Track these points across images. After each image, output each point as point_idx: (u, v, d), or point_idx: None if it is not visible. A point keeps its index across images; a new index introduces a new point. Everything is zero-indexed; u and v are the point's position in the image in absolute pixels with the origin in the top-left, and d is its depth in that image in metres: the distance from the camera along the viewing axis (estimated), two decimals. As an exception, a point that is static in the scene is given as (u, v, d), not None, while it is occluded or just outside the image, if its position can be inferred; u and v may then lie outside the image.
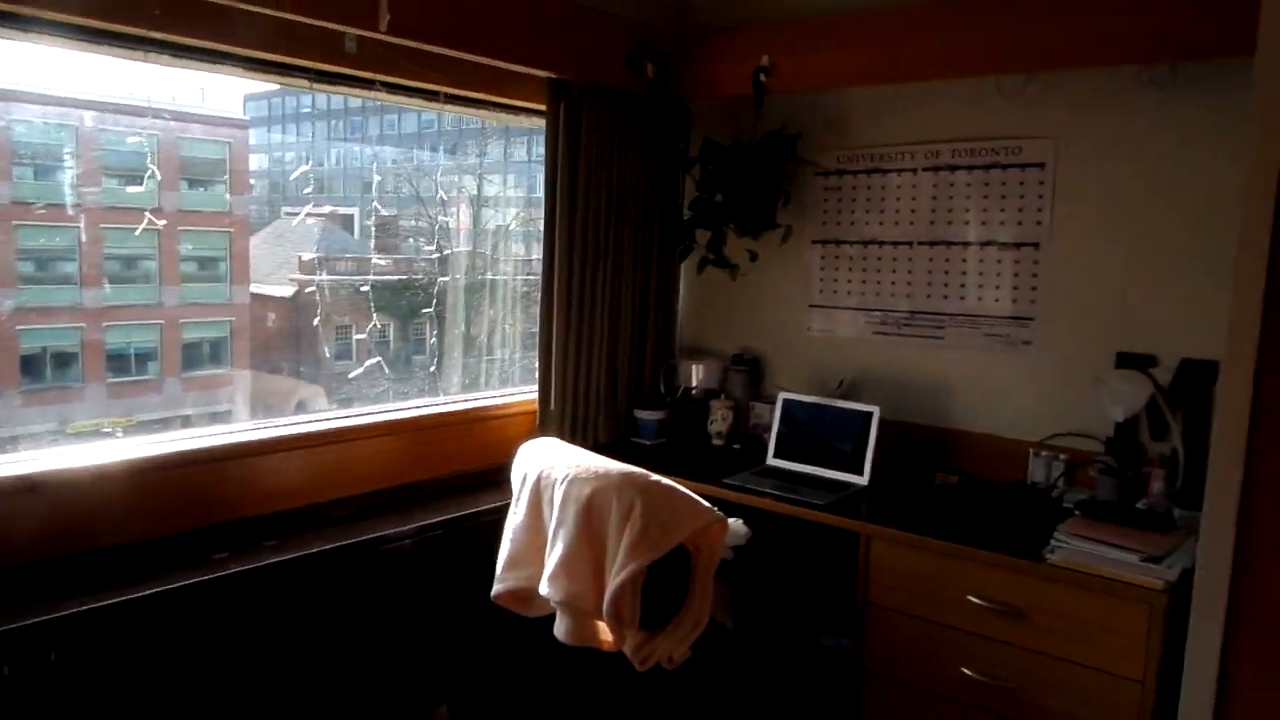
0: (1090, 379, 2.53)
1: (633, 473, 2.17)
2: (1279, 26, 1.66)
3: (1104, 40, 2.33)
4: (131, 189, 2.48)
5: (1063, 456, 2.56)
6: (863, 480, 2.64)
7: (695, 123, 3.22)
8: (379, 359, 2.96)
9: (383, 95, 2.58)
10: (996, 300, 2.74)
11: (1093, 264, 2.58)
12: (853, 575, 2.37)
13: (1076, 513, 2.27)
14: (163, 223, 2.55)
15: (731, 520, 2.25)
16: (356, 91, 2.57)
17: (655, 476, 2.16)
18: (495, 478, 2.72)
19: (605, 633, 2.21)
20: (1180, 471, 2.33)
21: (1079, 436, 2.54)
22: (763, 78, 2.91)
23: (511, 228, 3.60)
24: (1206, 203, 2.39)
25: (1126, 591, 2.00)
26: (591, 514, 2.16)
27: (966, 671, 2.20)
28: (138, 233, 2.46)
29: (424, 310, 3.17)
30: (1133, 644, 2.00)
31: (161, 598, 1.96)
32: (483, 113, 2.91)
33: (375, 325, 2.96)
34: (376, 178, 3.28)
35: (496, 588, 2.36)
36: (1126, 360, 2.49)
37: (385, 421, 2.70)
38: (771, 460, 2.83)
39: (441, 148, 3.72)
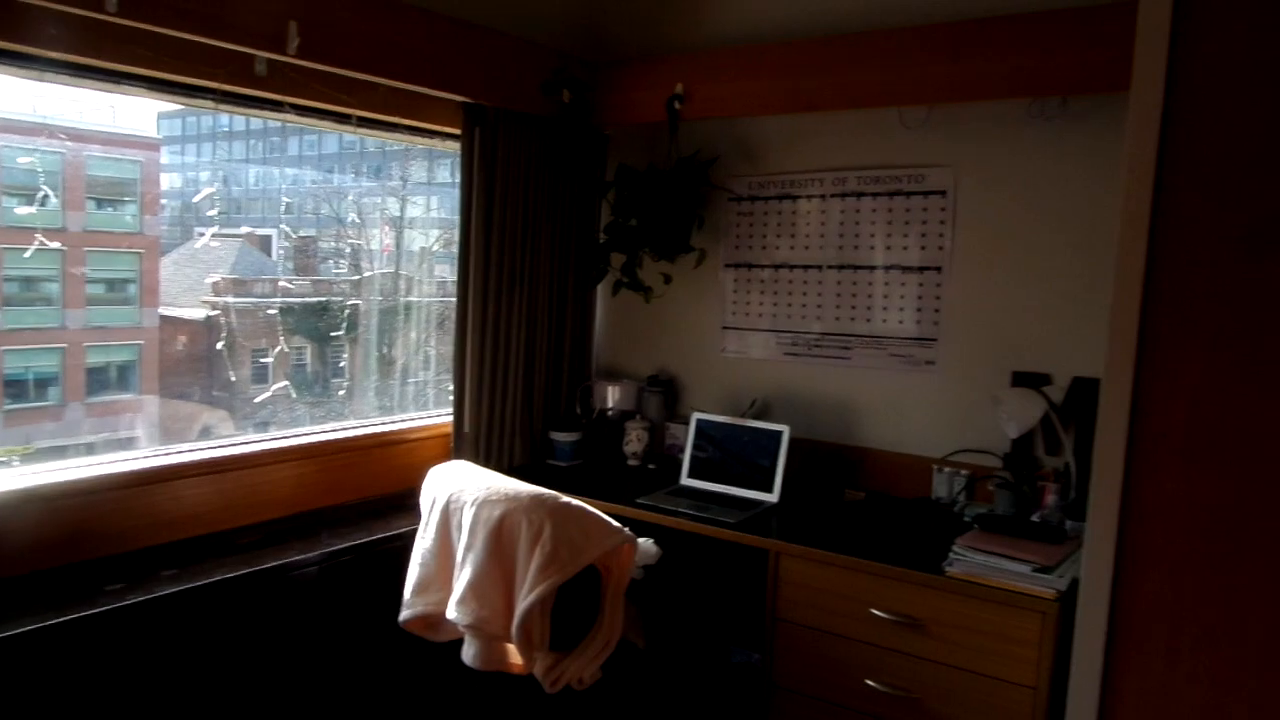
0: (989, 397, 2.62)
1: (543, 494, 2.17)
2: (1150, 64, 1.77)
3: (997, 76, 2.45)
4: (22, 210, 2.41)
5: (964, 472, 2.65)
6: (773, 498, 2.69)
7: (612, 148, 3.26)
8: (286, 383, 2.91)
9: (292, 117, 2.57)
10: (901, 322, 2.83)
11: (991, 287, 2.69)
12: (764, 592, 2.41)
13: (975, 526, 2.35)
14: (56, 244, 2.48)
15: (642, 540, 2.27)
16: (265, 113, 2.55)
17: (566, 498, 2.17)
18: (408, 502, 2.70)
19: (515, 656, 2.21)
20: (1072, 484, 2.43)
21: (979, 453, 2.63)
22: (677, 105, 2.97)
23: (435, 249, 3.59)
24: (1093, 228, 2.52)
25: (1020, 601, 2.07)
26: (501, 537, 2.16)
27: (871, 683, 2.25)
28: (27, 254, 2.39)
29: (337, 333, 3.13)
30: (1027, 652, 2.07)
31: (47, 632, 1.89)
32: (397, 135, 2.91)
33: (284, 349, 2.91)
34: (286, 200, 3.24)
35: (404, 613, 2.34)
36: (1022, 379, 2.59)
37: (295, 446, 2.66)
38: (685, 480, 2.87)
39: (364, 168, 3.70)
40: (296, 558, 2.37)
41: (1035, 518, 2.42)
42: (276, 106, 2.51)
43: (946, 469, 2.68)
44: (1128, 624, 1.84)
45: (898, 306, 2.84)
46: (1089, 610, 1.87)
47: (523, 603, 2.08)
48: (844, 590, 2.29)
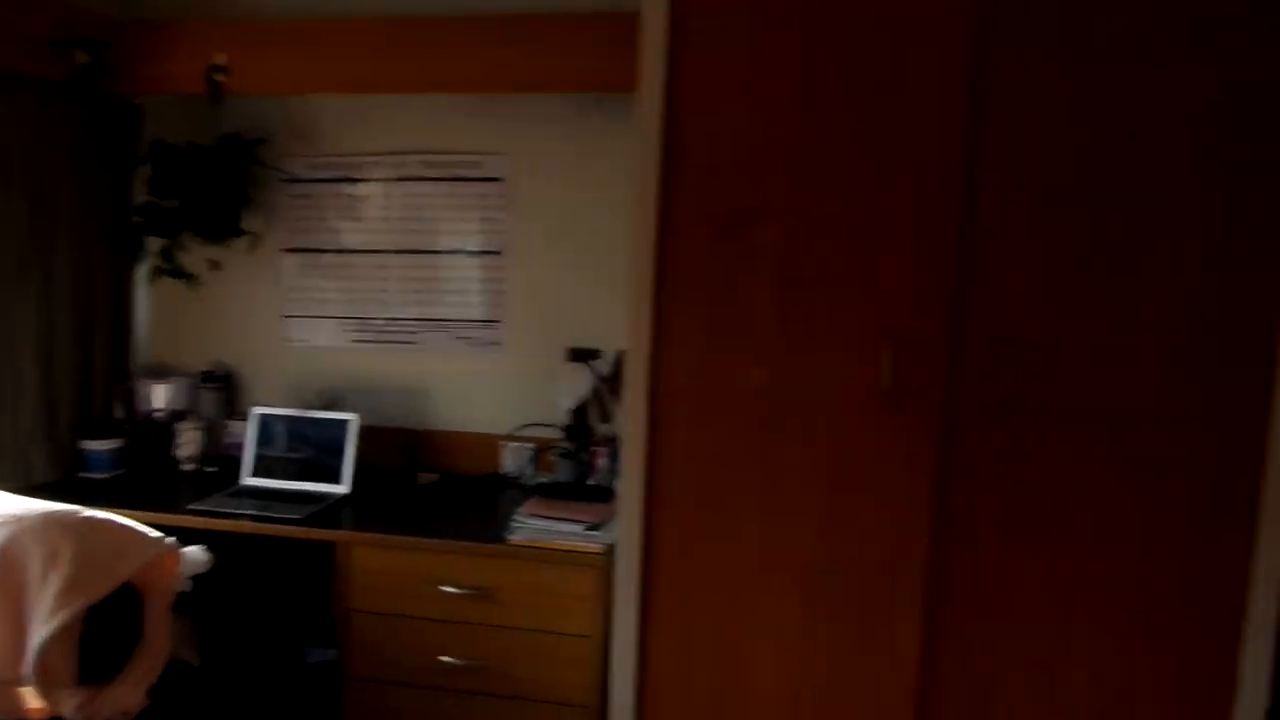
0: (548, 373, 2.80)
1: (58, 512, 1.91)
2: (653, 69, 2.00)
3: (541, 71, 2.59)
4: None
5: (530, 445, 2.80)
6: (344, 489, 2.63)
7: (150, 121, 2.94)
8: None
9: None
10: (467, 306, 2.91)
11: (546, 270, 2.86)
12: (337, 585, 2.35)
13: (537, 495, 2.50)
14: None
15: (187, 549, 2.09)
16: None
17: (89, 512, 1.93)
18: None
19: (33, 699, 1.92)
20: (620, 449, 2.68)
21: (543, 426, 2.80)
22: (219, 77, 2.75)
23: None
24: (629, 214, 2.77)
25: (575, 559, 2.24)
26: (5, 566, 1.86)
27: (444, 659, 2.30)
28: None
29: None
30: (584, 605, 2.25)
31: None
32: None
33: None
34: None
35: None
36: (576, 355, 2.80)
37: None
38: (248, 480, 2.69)
39: None
40: None
41: (592, 482, 2.64)
42: None
43: (515, 444, 2.81)
44: (656, 563, 2.09)
45: (462, 290, 2.91)
46: (625, 553, 2.08)
47: (36, 638, 1.81)
48: (415, 572, 2.31)
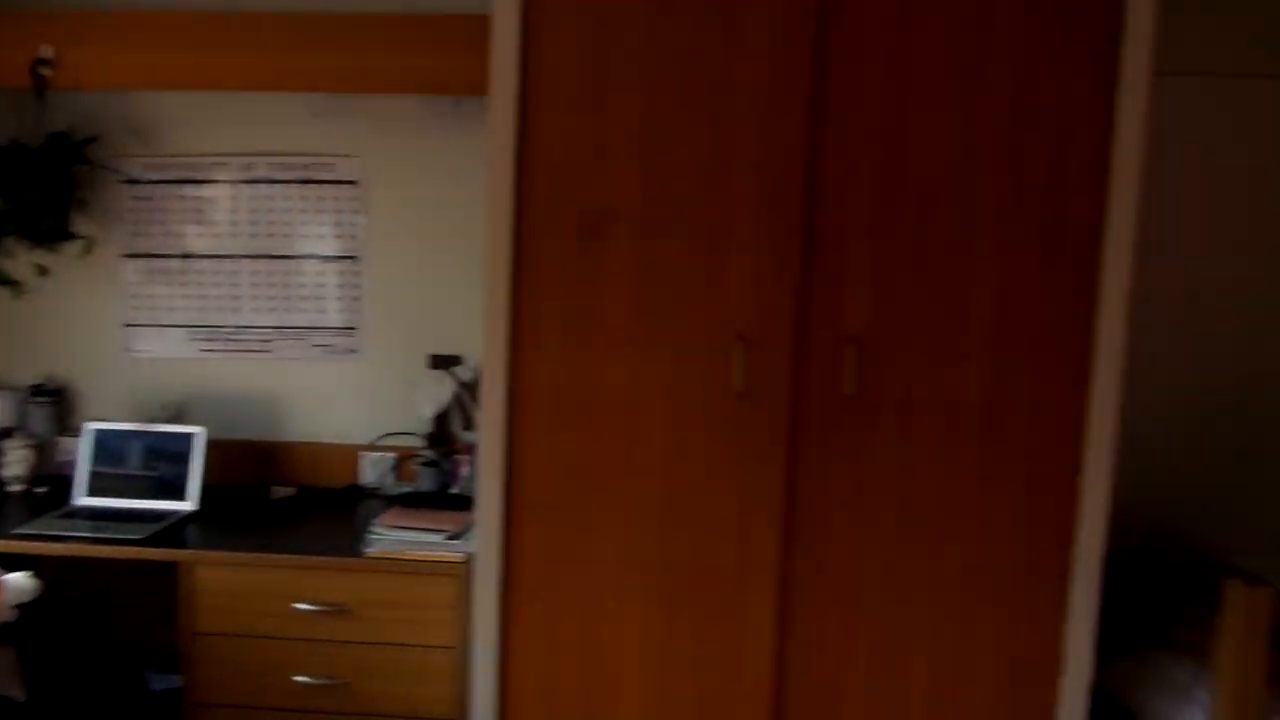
0: (410, 381, 2.74)
1: None
2: (505, 71, 1.98)
3: (391, 72, 2.54)
4: None
5: (391, 455, 2.73)
6: (189, 506, 2.50)
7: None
8: None
9: None
10: (322, 312, 2.81)
11: (405, 275, 2.80)
12: (181, 608, 2.23)
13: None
14: None
15: (9, 576, 1.95)
16: None
17: (-110, 541, 1.78)
18: None
19: None
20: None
21: (404, 435, 2.74)
22: (44, 70, 2.58)
23: None
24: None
25: (435, 569, 2.20)
26: None
27: (300, 679, 2.22)
28: None
29: None
30: (445, 616, 2.21)
31: None
32: None
33: None
34: None
35: None
36: (438, 361, 2.75)
37: None
38: (82, 500, 2.53)
39: None
40: None
41: (454, 491, 2.60)
42: None
43: (375, 454, 2.74)
44: (518, 570, 2.07)
45: (318, 297, 2.82)
46: (484, 561, 2.06)
47: None
48: (266, 590, 2.22)
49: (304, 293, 2.81)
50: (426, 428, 2.71)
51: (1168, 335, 2.91)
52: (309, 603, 2.21)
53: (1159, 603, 2.16)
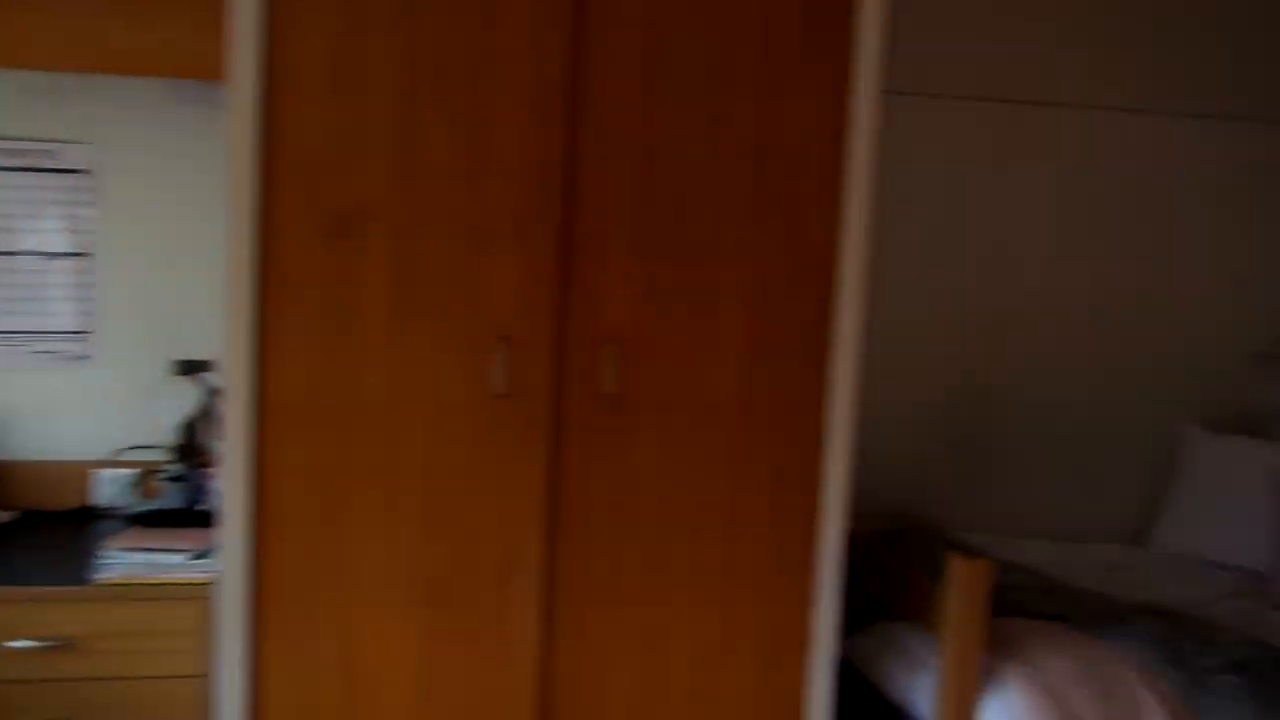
0: (153, 389, 2.52)
1: None
2: (246, 56, 1.86)
3: (125, 51, 2.32)
4: None
5: (132, 470, 2.51)
6: (-124, 539, 2.19)
7: None
8: None
9: None
10: (48, 315, 2.54)
11: (146, 274, 2.57)
12: None
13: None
14: None
15: None
16: None
17: None
18: None
19: None
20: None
21: (148, 449, 2.51)
22: None
23: None
24: (239, 215, 2.58)
25: (176, 592, 2.03)
26: None
27: (20, 726, 1.99)
28: None
29: None
30: (187, 642, 2.04)
31: None
32: None
33: None
34: None
35: None
36: (184, 367, 2.54)
37: None
38: None
39: None
40: None
41: (203, 506, 2.41)
42: None
43: (112, 470, 2.50)
44: (269, 588, 1.95)
45: (44, 298, 2.53)
46: (229, 580, 1.93)
47: None
48: (-29, 629, 1.97)
49: (25, 294, 2.53)
50: (172, 440, 2.51)
51: (908, 333, 3.18)
52: (29, 639, 1.98)
53: (898, 579, 2.34)
